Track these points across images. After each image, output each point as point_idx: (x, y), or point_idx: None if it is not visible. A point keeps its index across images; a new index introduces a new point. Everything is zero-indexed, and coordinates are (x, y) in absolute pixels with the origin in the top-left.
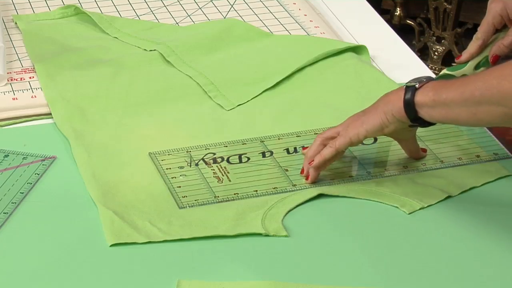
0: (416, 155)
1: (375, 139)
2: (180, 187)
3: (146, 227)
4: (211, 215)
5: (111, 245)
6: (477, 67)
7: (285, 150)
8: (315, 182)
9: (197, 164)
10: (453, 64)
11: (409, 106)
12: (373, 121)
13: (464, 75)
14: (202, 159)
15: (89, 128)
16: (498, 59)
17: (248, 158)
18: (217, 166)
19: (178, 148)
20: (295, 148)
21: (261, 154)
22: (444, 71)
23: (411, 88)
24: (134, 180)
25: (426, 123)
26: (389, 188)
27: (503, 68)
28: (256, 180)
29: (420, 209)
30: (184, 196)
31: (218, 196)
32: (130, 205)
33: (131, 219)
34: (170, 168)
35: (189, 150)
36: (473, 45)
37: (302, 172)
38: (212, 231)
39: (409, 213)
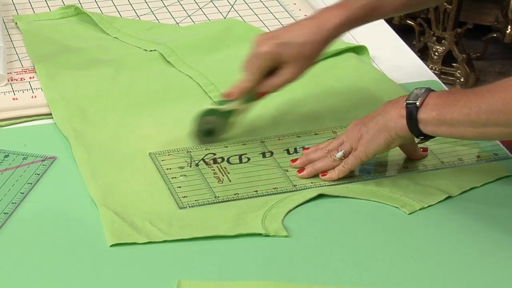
0: (416, 155)
1: None
2: (180, 187)
3: (146, 227)
4: (211, 215)
5: (111, 245)
6: (244, 101)
7: (285, 151)
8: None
9: (197, 164)
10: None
11: (413, 125)
12: (378, 141)
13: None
14: (202, 159)
15: (89, 128)
16: (264, 95)
17: (249, 159)
18: (217, 166)
19: (178, 148)
20: (295, 149)
21: (261, 154)
22: (210, 106)
23: (412, 107)
24: (134, 180)
25: (432, 137)
26: (389, 188)
27: (507, 89)
28: (256, 180)
29: (420, 209)
30: (184, 196)
31: (218, 196)
32: (130, 205)
33: (131, 219)
34: (170, 168)
35: (189, 150)
36: (244, 85)
37: (294, 162)
38: (212, 231)
39: (409, 214)
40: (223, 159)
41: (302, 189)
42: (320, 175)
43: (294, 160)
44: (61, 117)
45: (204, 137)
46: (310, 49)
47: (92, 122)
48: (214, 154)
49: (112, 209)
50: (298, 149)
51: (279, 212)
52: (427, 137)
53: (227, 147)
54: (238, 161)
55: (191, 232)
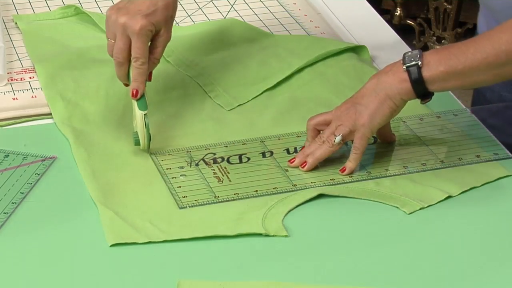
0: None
1: (375, 139)
2: (180, 187)
3: (146, 227)
4: (211, 215)
5: (111, 245)
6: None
7: (285, 150)
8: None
9: (197, 164)
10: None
11: (419, 85)
12: (382, 112)
13: None
14: (202, 159)
15: (89, 128)
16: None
17: (248, 158)
18: (217, 166)
19: (178, 148)
20: (295, 148)
21: (261, 154)
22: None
23: (414, 68)
24: (134, 180)
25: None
26: (389, 188)
27: None
28: (256, 180)
29: (420, 209)
30: (184, 196)
31: (218, 196)
32: (131, 205)
33: (131, 219)
34: (170, 168)
35: (189, 150)
36: (143, 71)
37: (291, 162)
38: (212, 231)
39: (409, 213)
40: (223, 159)
41: (302, 189)
42: (339, 171)
43: (291, 160)
44: (61, 117)
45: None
46: (173, 5)
47: (92, 122)
48: (214, 154)
49: (112, 209)
50: (298, 149)
51: (279, 212)
52: (430, 96)
53: (227, 147)
54: (238, 161)
55: (191, 232)
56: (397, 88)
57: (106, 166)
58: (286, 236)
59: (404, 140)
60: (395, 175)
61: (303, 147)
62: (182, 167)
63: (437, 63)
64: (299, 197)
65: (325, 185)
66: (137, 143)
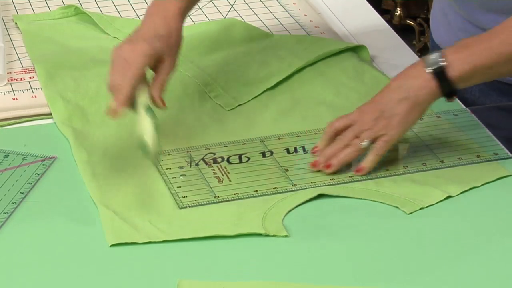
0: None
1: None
2: (180, 187)
3: (146, 227)
4: (211, 215)
5: (111, 245)
6: (147, 110)
7: (285, 150)
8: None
9: (197, 164)
10: None
11: (446, 87)
12: (413, 118)
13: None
14: (202, 159)
15: (89, 128)
16: (162, 99)
17: (248, 158)
18: (217, 166)
19: (178, 148)
20: (295, 148)
21: (261, 154)
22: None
23: (439, 71)
24: (134, 180)
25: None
26: (389, 188)
27: None
28: (256, 180)
29: (420, 209)
30: (184, 196)
31: (218, 196)
32: (131, 205)
33: (131, 219)
34: (170, 168)
35: (189, 150)
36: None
37: (315, 165)
38: (212, 231)
39: (409, 213)
40: (223, 158)
41: (302, 189)
42: (354, 172)
43: (315, 164)
44: (61, 117)
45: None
46: (176, 37)
47: (92, 122)
48: (214, 154)
49: (112, 209)
50: (298, 149)
51: (279, 212)
52: (456, 93)
53: (227, 146)
54: (238, 160)
55: (191, 232)
56: (425, 93)
57: (106, 166)
58: (286, 236)
59: (404, 140)
60: (395, 175)
61: (315, 147)
62: (182, 167)
63: (461, 61)
64: (299, 197)
65: (325, 185)
66: (144, 150)
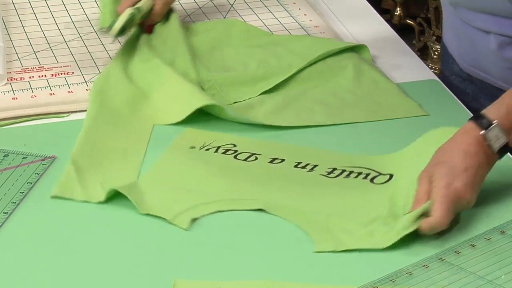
0: None
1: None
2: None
3: (94, 188)
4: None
5: (54, 196)
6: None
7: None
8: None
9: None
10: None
11: (504, 148)
12: (477, 189)
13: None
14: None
15: (108, 89)
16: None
17: (256, 158)
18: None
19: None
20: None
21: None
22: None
23: (503, 145)
24: (119, 152)
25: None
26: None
27: None
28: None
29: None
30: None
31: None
32: (97, 167)
33: (86, 178)
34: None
35: (193, 146)
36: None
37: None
38: (143, 206)
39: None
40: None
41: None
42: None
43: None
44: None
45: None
46: None
47: (112, 84)
48: (235, 145)
49: (76, 165)
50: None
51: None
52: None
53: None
54: (245, 157)
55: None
56: (489, 167)
57: (106, 130)
58: (184, 229)
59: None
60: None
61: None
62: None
63: (504, 109)
64: (236, 204)
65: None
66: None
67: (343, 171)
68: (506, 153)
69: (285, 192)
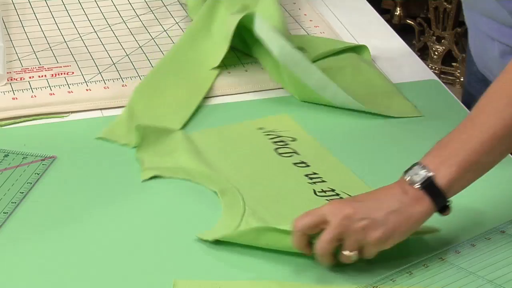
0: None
1: None
2: None
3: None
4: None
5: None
6: None
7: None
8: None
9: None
10: None
11: (439, 198)
12: (400, 237)
13: None
14: None
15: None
16: None
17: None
18: None
19: None
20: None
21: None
22: None
23: (427, 182)
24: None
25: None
26: None
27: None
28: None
29: None
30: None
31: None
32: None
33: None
34: None
35: None
36: None
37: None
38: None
39: None
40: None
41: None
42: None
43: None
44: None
45: None
46: None
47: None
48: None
49: (131, 111)
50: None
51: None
52: (449, 206)
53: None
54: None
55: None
56: (418, 213)
57: (167, 79)
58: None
59: None
60: None
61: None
62: None
63: (447, 165)
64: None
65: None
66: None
67: (337, 194)
68: (446, 209)
69: (263, 181)
